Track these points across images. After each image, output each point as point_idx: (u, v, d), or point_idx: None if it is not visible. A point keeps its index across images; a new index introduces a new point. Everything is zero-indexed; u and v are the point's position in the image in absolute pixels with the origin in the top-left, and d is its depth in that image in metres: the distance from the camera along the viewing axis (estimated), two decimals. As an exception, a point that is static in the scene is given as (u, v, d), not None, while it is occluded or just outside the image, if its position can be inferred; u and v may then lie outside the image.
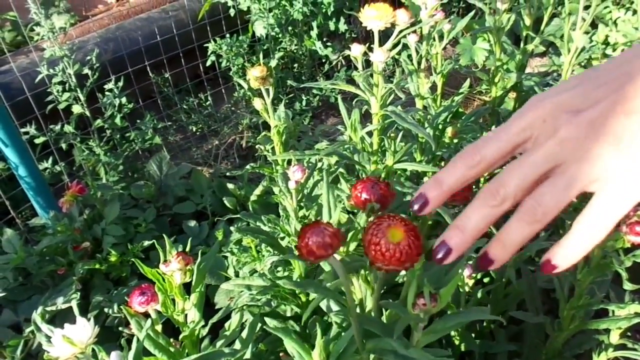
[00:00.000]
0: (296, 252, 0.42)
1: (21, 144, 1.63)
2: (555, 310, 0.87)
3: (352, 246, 0.48)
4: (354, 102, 0.85)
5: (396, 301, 0.50)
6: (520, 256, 0.89)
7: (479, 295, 0.91)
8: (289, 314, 1.04)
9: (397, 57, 0.91)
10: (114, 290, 1.46)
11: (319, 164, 0.89)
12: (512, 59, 1.20)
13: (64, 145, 1.92)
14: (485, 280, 0.97)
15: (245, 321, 0.77)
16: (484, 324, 1.02)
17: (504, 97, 1.26)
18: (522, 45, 1.23)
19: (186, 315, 0.66)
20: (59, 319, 1.42)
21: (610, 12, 2.90)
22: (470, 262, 0.87)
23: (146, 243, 1.47)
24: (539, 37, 1.17)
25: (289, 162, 0.87)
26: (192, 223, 1.64)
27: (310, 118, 2.31)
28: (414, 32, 0.94)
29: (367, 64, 0.78)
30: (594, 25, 2.90)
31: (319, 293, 0.46)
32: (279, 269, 1.03)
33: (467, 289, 0.87)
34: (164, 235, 0.70)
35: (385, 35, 0.77)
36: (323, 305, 0.60)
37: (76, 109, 1.89)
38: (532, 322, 0.88)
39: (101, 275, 1.50)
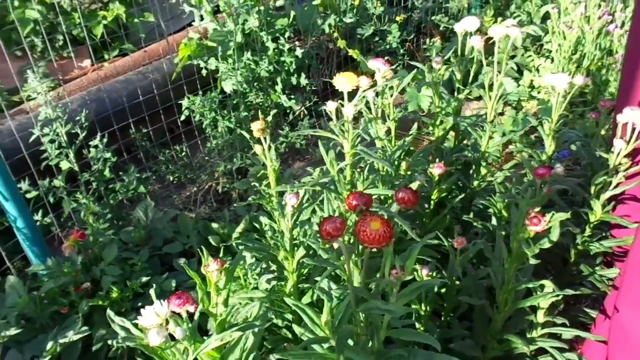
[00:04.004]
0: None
1: (20, 198, 1.79)
2: (494, 300, 1.12)
3: (346, 238, 0.71)
4: (330, 144, 1.09)
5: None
6: (465, 257, 1.14)
7: (435, 290, 1.15)
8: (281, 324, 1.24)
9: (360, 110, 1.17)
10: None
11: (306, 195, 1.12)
12: (449, 105, 1.49)
13: (51, 199, 2.07)
14: (437, 275, 1.21)
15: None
16: (442, 318, 1.25)
17: (445, 136, 1.54)
18: (455, 94, 1.53)
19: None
20: (65, 353, 1.55)
21: (532, 60, 3.35)
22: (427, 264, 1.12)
23: (144, 279, 1.64)
24: (468, 87, 1.47)
25: (281, 194, 1.10)
26: (182, 261, 1.82)
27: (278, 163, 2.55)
28: (372, 89, 1.21)
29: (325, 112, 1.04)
30: (520, 72, 3.34)
31: (330, 266, 0.68)
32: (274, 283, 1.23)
33: (426, 285, 1.11)
34: (202, 248, 0.90)
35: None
36: (325, 286, 0.82)
37: (64, 164, 2.06)
38: (477, 305, 1.11)
39: (102, 312, 1.64)
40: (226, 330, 0.80)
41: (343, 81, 0.94)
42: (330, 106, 1.01)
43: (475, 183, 1.51)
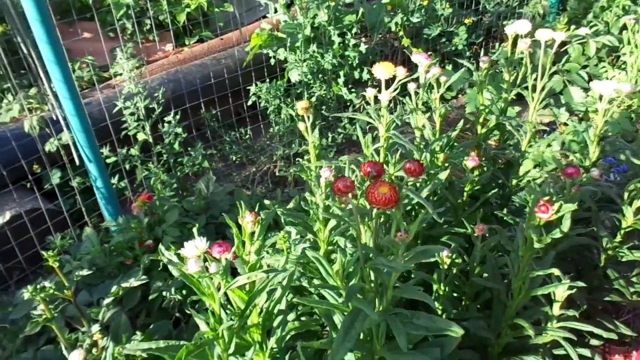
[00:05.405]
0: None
1: (101, 161, 2.02)
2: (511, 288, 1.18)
3: (362, 200, 0.82)
4: (367, 128, 1.20)
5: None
6: (487, 245, 1.21)
7: (454, 271, 1.22)
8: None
9: (400, 98, 1.27)
10: (169, 280, 1.79)
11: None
12: (494, 104, 1.54)
13: (127, 166, 2.31)
14: (459, 260, 1.28)
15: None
16: (462, 303, 1.33)
17: (488, 134, 1.60)
18: (503, 94, 1.58)
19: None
20: (126, 298, 1.76)
21: (606, 71, 3.26)
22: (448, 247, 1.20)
23: (199, 242, 1.81)
24: (515, 89, 1.52)
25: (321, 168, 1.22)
26: (235, 231, 1.98)
27: (334, 153, 2.68)
28: (414, 81, 1.30)
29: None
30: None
31: (343, 221, 0.79)
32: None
33: (445, 266, 1.19)
34: (241, 203, 1.04)
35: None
36: (341, 243, 0.93)
37: (141, 136, 2.29)
38: (494, 292, 1.18)
39: (160, 267, 1.84)
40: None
41: (381, 70, 1.05)
42: (370, 92, 1.12)
43: (514, 181, 1.55)
